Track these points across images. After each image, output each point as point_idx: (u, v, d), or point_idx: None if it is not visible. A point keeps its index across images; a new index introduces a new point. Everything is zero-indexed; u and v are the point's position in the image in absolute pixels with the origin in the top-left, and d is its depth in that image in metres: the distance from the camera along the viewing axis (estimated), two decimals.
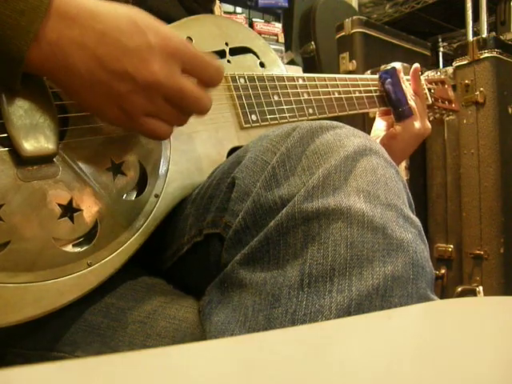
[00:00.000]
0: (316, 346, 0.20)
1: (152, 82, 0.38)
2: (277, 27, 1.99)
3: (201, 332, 0.37)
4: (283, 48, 1.98)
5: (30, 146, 0.37)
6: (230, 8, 1.94)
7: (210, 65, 0.42)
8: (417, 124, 0.74)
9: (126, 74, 0.37)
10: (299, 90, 0.62)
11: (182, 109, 0.41)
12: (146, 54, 0.38)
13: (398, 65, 0.84)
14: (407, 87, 0.77)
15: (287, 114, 0.59)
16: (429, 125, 0.76)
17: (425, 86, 0.88)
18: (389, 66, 0.79)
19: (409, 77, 0.78)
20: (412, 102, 0.75)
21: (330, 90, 0.67)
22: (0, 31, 0.33)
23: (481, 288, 1.18)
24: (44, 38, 0.35)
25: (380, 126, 0.78)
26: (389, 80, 0.75)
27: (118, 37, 0.37)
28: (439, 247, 1.34)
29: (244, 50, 0.61)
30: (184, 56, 0.40)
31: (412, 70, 0.78)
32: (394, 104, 0.75)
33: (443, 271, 1.32)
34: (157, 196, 0.46)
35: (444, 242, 1.33)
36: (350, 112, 0.70)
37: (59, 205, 0.39)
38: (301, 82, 0.63)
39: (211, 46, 0.57)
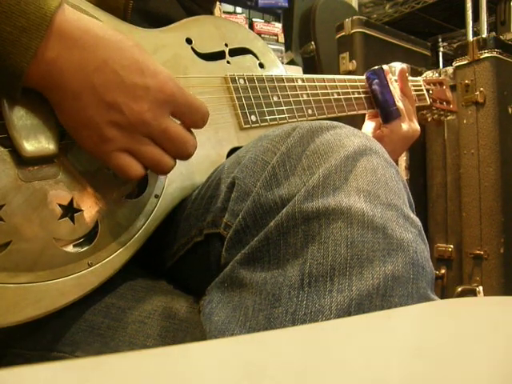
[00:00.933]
0: (316, 346, 0.20)
1: (139, 120, 0.38)
2: (277, 27, 1.99)
3: (201, 332, 0.37)
4: (283, 48, 1.98)
5: (30, 146, 0.37)
6: (229, 8, 1.94)
7: (197, 112, 0.42)
8: (404, 126, 0.73)
9: (116, 105, 0.37)
10: (298, 91, 0.62)
11: (166, 150, 0.41)
12: (140, 93, 0.38)
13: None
14: (395, 88, 0.75)
15: (286, 115, 0.59)
16: (417, 126, 0.75)
17: (423, 87, 0.88)
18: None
19: (396, 77, 0.77)
20: (400, 104, 0.74)
21: (329, 91, 0.67)
22: (0, 47, 0.33)
23: (481, 288, 1.18)
24: (42, 56, 0.35)
25: (368, 129, 0.77)
26: (376, 81, 0.73)
27: (117, 69, 0.37)
28: (439, 247, 1.34)
29: (243, 51, 0.61)
30: (176, 101, 0.40)
31: (398, 71, 0.77)
32: (380, 105, 0.73)
33: (443, 271, 1.32)
34: (157, 196, 0.46)
35: (444, 242, 1.33)
36: (349, 113, 0.70)
37: (60, 205, 0.39)
38: (300, 82, 0.63)
39: (210, 47, 0.57)
